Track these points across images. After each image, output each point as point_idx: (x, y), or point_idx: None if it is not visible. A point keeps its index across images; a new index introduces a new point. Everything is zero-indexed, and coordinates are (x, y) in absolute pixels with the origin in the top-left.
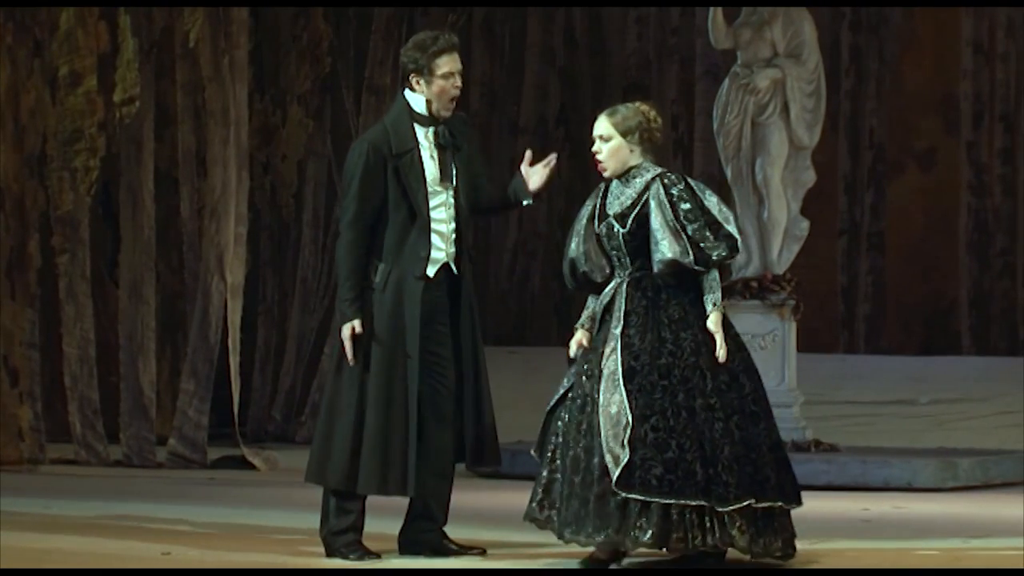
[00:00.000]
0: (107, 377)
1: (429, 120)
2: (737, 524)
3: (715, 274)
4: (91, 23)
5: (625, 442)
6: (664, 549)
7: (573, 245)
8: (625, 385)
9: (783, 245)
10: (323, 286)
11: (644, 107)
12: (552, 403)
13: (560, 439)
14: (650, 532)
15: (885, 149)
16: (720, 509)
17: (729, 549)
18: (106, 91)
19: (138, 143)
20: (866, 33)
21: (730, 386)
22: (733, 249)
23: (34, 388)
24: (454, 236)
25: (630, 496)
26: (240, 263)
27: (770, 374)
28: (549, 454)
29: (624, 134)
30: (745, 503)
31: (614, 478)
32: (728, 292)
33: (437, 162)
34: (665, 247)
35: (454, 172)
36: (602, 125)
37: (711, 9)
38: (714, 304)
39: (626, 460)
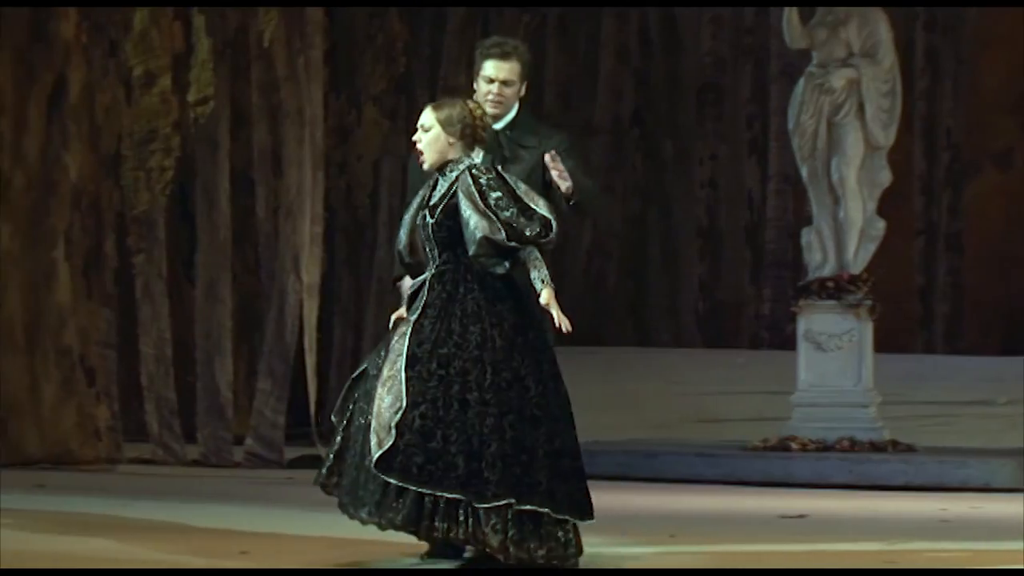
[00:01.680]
0: (184, 377)
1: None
2: (492, 522)
3: (535, 252)
4: (166, 23)
5: (393, 426)
6: (416, 534)
7: (402, 235)
8: (405, 371)
9: (859, 245)
10: None
11: (472, 104)
12: (356, 374)
13: (356, 408)
14: (402, 515)
15: (961, 149)
16: (476, 505)
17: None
18: (181, 91)
19: (214, 143)
20: (941, 33)
21: (511, 385)
22: (547, 228)
23: (111, 388)
24: None
25: (388, 479)
26: (316, 263)
27: (847, 374)
28: (345, 422)
29: (444, 126)
30: (503, 502)
31: (374, 459)
32: (804, 292)
33: None
34: (475, 227)
35: None
36: (425, 116)
37: (786, 9)
38: (543, 281)
39: (390, 443)
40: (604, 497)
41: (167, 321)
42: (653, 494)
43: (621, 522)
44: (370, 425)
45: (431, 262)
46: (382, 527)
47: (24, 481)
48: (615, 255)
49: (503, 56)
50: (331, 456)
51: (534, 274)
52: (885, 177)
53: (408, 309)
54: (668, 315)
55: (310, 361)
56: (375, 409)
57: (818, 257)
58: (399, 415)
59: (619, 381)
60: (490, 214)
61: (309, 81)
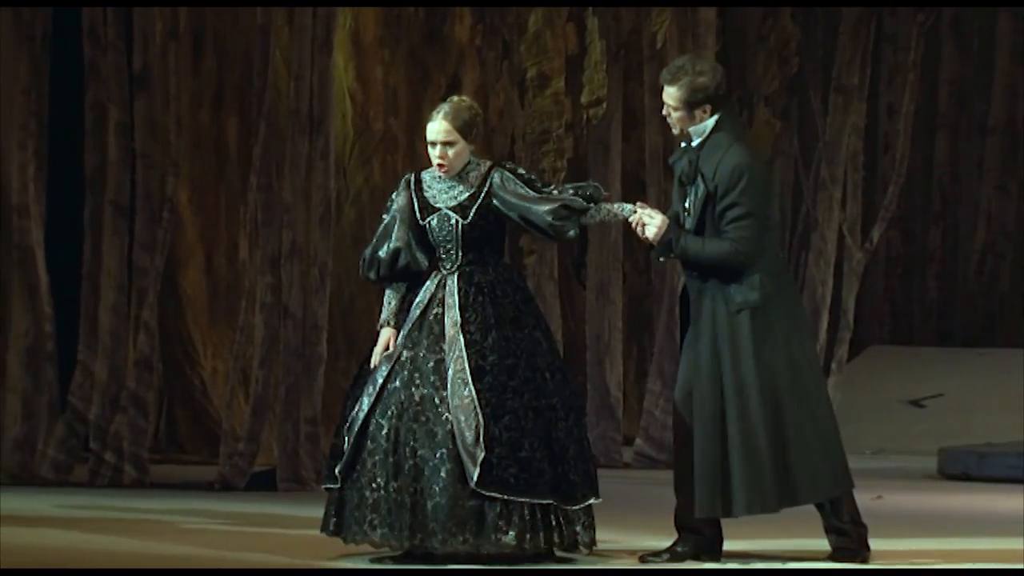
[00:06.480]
0: (574, 377)
1: None
2: (581, 520)
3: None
4: (559, 25)
5: (481, 441)
6: (524, 548)
7: (395, 236)
8: (474, 384)
9: None
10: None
11: (469, 101)
12: (360, 417)
13: (382, 449)
14: (512, 533)
15: None
16: (568, 508)
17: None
18: (574, 92)
19: (605, 144)
20: None
21: (564, 385)
22: (598, 188)
23: None
24: None
25: (490, 494)
26: None
27: None
28: (369, 467)
29: (466, 137)
30: (590, 501)
31: (474, 478)
32: None
33: None
34: (545, 206)
35: None
36: (444, 131)
37: None
38: (621, 208)
39: (482, 458)
40: (997, 500)
41: (558, 322)
42: None
43: (1015, 525)
44: (439, 455)
45: (449, 263)
46: (489, 550)
47: None
48: (1009, 256)
49: (667, 81)
50: (368, 511)
51: (611, 209)
52: None
53: (421, 314)
54: None
55: None
56: (456, 434)
57: None
58: (482, 429)
59: (1012, 383)
60: (548, 196)
61: None
